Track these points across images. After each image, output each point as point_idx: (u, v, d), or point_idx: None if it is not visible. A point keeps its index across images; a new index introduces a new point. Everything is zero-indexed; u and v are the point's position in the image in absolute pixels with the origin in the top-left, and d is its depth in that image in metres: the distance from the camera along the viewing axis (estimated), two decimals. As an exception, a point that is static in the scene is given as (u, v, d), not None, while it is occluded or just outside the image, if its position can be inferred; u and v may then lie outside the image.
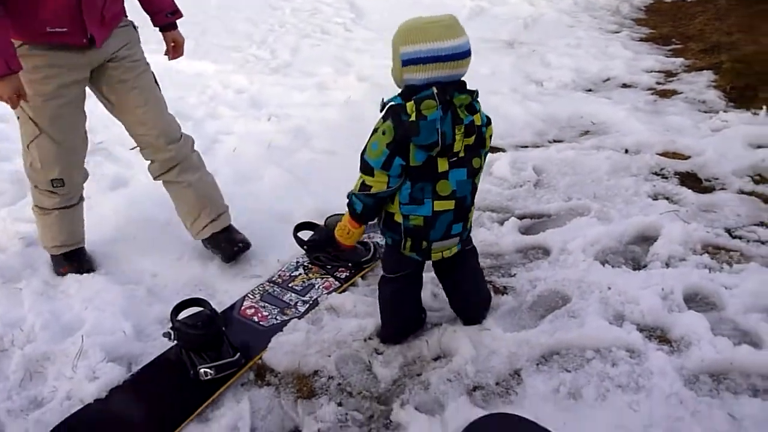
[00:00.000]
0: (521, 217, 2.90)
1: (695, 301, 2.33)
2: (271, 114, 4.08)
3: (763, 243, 2.64)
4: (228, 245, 2.62)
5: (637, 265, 2.55)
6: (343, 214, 2.04)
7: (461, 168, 1.86)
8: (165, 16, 2.49)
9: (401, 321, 2.19)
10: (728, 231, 2.73)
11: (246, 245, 2.64)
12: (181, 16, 2.53)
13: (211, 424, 1.95)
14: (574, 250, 2.59)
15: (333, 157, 3.52)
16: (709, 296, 2.34)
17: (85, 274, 2.54)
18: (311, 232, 2.66)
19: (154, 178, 2.57)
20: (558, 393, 1.94)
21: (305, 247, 2.62)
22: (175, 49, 2.58)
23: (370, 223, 2.04)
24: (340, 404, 1.98)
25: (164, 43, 2.56)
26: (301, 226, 2.69)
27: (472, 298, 2.23)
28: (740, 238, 2.68)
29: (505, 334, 2.15)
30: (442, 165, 1.84)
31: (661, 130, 3.73)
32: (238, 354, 2.11)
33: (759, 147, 3.41)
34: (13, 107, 2.13)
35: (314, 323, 2.30)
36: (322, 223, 2.66)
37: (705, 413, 1.84)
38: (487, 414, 1.82)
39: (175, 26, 2.54)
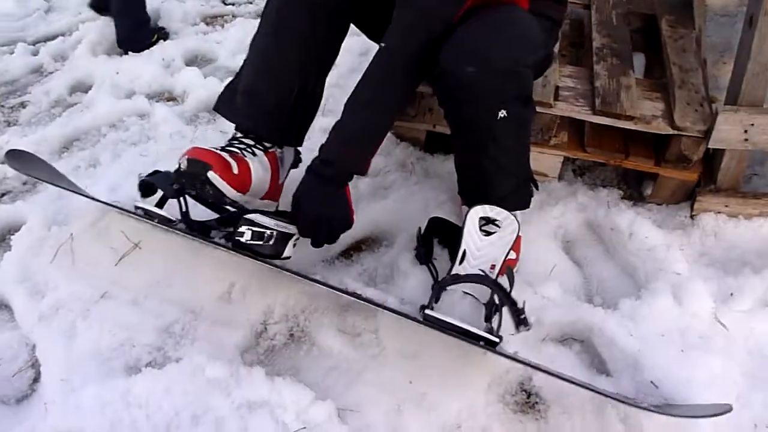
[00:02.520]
0: (33, 43, 2.86)
1: (196, 61, 2.67)
2: None
3: (251, 3, 3.04)
4: None
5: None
6: None
7: None
8: None
9: None
10: (223, 1, 3.07)
11: None
12: None
13: None
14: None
15: None
16: (205, 54, 2.71)
17: None
18: None
19: None
20: (79, 169, 2.11)
21: None
22: None
23: None
24: None
25: None
26: None
27: None
28: (233, 4, 3.05)
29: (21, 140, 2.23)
30: None
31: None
32: None
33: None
34: None
35: None
36: None
37: (203, 137, 2.20)
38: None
39: None
